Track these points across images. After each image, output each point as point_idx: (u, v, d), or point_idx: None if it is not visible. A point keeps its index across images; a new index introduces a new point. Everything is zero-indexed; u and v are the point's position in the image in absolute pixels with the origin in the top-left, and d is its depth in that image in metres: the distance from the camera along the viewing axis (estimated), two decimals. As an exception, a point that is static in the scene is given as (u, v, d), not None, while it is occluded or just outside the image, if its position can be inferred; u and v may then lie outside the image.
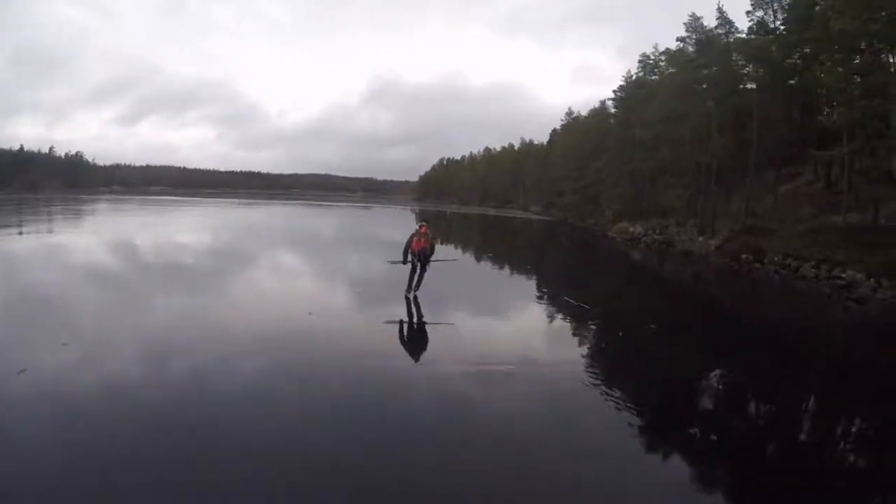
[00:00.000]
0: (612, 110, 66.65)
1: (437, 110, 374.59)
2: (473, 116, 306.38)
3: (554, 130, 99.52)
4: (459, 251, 31.04)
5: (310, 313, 12.97)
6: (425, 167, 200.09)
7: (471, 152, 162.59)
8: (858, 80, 28.68)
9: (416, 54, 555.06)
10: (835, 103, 32.20)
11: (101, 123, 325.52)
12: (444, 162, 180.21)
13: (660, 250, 40.17)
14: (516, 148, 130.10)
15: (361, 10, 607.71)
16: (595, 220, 64.13)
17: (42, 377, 8.03)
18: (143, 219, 48.26)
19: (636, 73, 58.41)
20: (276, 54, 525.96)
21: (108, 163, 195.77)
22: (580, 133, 77.52)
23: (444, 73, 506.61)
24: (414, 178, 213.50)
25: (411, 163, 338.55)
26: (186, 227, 40.88)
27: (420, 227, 15.01)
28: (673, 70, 48.17)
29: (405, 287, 14.83)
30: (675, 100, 43.22)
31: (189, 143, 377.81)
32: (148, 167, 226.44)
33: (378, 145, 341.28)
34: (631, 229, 48.52)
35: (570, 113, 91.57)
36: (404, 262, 14.72)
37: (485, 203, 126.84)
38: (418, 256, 14.63)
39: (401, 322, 12.96)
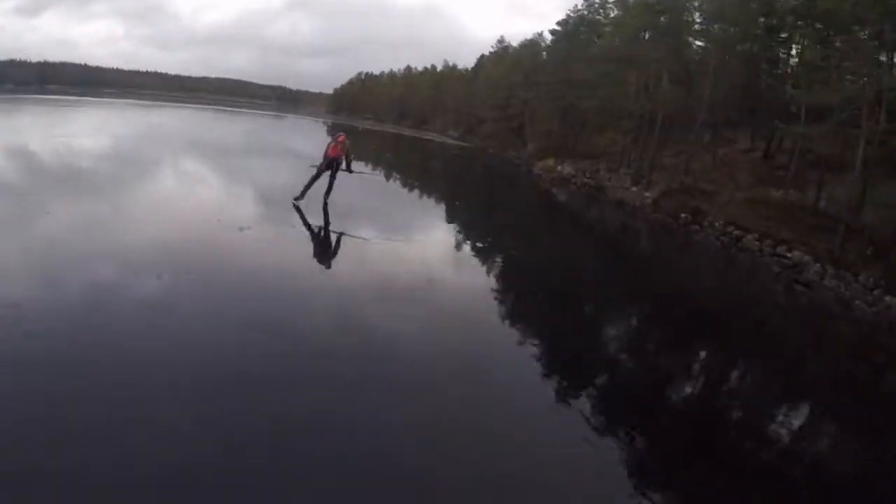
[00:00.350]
0: (548, 44, 64.35)
1: (361, 24, 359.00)
2: (397, 35, 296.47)
3: (482, 57, 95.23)
4: (370, 169, 27.89)
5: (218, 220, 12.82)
6: (342, 81, 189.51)
7: (391, 69, 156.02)
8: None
9: None
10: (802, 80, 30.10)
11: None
12: (362, 76, 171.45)
13: (589, 195, 38.08)
14: (439, 70, 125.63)
15: None
16: (517, 152, 61.40)
17: None
18: (35, 120, 40.93)
19: (582, 11, 55.47)
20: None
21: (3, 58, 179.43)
22: (510, 62, 74.45)
23: None
24: (329, 90, 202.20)
25: (328, 75, 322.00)
26: (84, 131, 34.45)
27: (338, 135, 15.28)
28: (621, 13, 45.89)
29: (297, 193, 14.87)
30: (625, 43, 40.77)
31: (93, 38, 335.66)
32: (45, 63, 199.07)
33: (295, 54, 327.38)
34: (559, 168, 46.09)
35: (501, 41, 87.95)
36: (323, 167, 14.83)
37: (401, 123, 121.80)
38: (331, 162, 14.79)
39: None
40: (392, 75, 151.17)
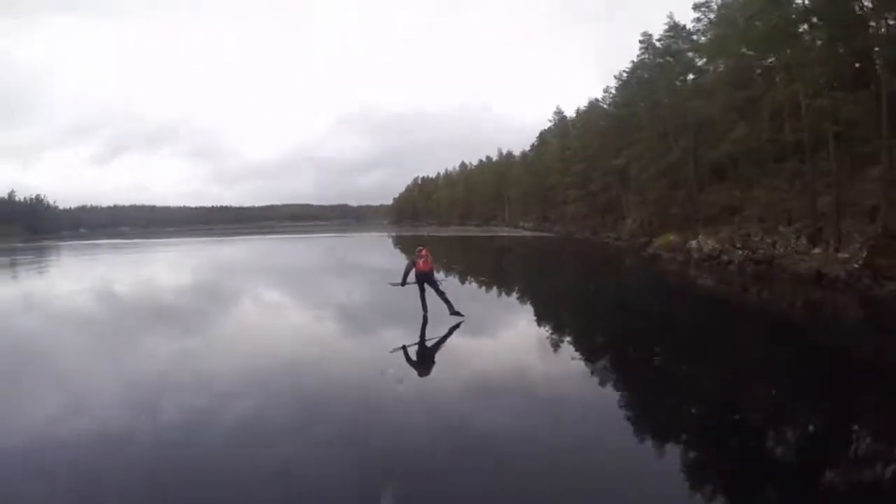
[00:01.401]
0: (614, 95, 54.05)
1: (407, 134, 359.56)
2: (443, 138, 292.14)
3: (542, 133, 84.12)
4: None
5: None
6: (399, 190, 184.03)
7: (446, 169, 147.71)
8: None
9: (383, 79, 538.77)
10: None
11: (72, 165, 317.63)
12: (419, 181, 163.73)
13: (757, 275, 25.22)
14: (495, 160, 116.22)
15: (326, 39, 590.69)
16: (615, 233, 49.05)
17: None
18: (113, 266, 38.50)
19: (640, 57, 46.48)
20: (245, 89, 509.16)
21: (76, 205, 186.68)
22: (583, 129, 62.49)
23: (411, 96, 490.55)
24: (389, 201, 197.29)
25: (385, 187, 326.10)
26: (160, 272, 33.25)
27: (419, 250, 14.48)
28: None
29: (421, 308, 14.17)
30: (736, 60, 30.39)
31: (161, 181, 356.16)
32: (115, 207, 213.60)
33: (350, 172, 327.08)
34: (693, 244, 33.38)
35: (558, 112, 77.31)
36: (402, 284, 14.11)
37: (466, 222, 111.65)
38: (424, 278, 14.06)
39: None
40: (448, 175, 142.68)
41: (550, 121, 78.78)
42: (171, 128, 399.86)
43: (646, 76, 45.36)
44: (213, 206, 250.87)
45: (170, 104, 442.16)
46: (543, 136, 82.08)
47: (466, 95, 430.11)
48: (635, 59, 47.45)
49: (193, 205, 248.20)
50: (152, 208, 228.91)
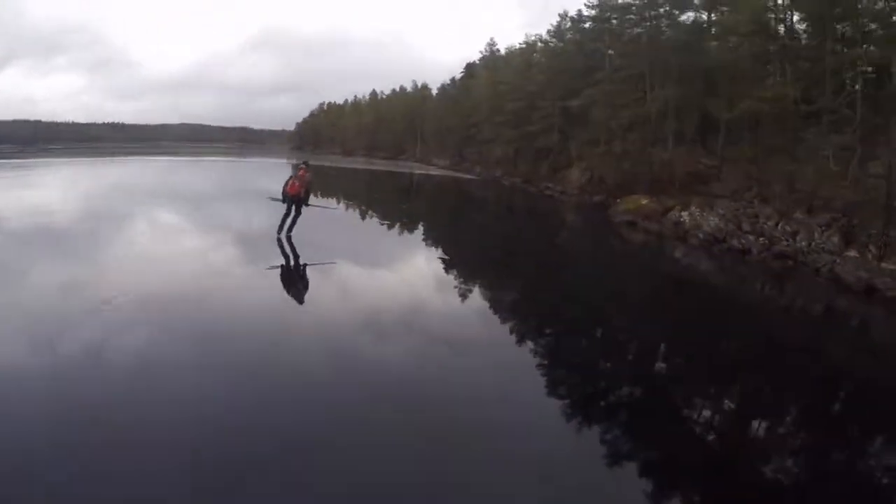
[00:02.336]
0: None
1: (319, 59, 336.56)
2: (356, 66, 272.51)
3: (471, 65, 72.95)
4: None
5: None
6: (304, 115, 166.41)
7: (355, 96, 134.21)
8: None
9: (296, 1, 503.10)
10: None
11: None
12: (324, 107, 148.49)
13: (786, 273, 17.68)
14: (409, 91, 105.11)
15: None
16: (556, 184, 40.52)
17: None
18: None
19: None
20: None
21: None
22: (521, 65, 53.11)
23: (330, 22, 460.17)
24: (292, 127, 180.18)
25: (289, 113, 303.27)
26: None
27: (299, 170, 14.38)
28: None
29: (276, 228, 14.34)
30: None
31: (55, 94, 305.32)
32: None
33: (255, 94, 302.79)
34: (681, 216, 25.16)
35: (492, 44, 67.13)
36: (283, 200, 14.16)
37: (373, 154, 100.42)
38: (292, 199, 14.01)
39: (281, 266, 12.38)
40: (357, 103, 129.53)
41: (482, 52, 68.39)
42: (64, 34, 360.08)
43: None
44: (103, 123, 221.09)
45: (66, 9, 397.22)
46: (472, 69, 71.38)
47: (381, 25, 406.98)
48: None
49: (84, 121, 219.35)
50: (36, 123, 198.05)
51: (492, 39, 67.92)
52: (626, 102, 33.40)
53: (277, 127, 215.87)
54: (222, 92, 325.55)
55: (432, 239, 20.18)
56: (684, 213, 24.99)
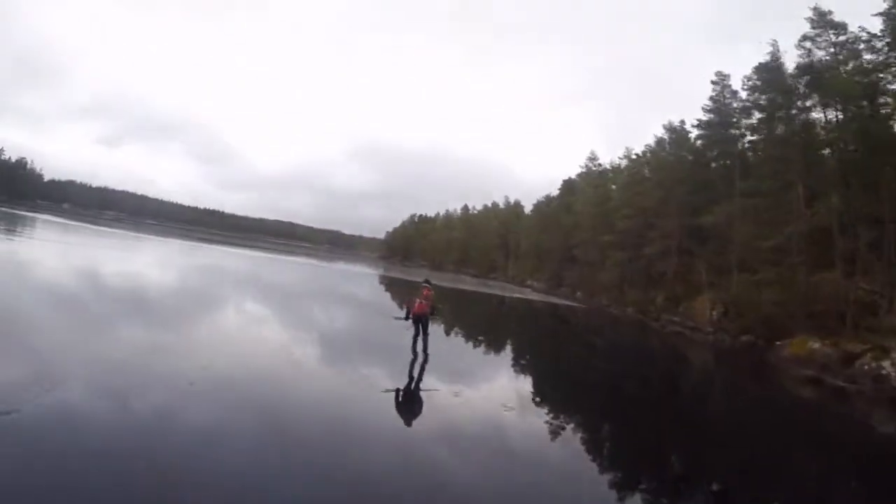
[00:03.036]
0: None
1: (417, 172, 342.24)
2: (452, 181, 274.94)
3: (570, 182, 68.84)
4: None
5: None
6: (394, 223, 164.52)
7: (447, 210, 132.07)
8: None
9: (404, 116, 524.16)
10: None
11: (83, 142, 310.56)
12: (415, 219, 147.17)
13: None
14: (501, 206, 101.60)
15: (358, 68, 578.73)
16: (678, 317, 33.91)
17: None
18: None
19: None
20: (266, 100, 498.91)
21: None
22: (631, 179, 48.20)
23: (428, 138, 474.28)
24: (381, 234, 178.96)
25: (381, 222, 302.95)
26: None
27: (423, 289, 13.43)
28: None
29: (410, 348, 13.13)
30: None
31: (167, 174, 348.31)
32: (105, 189, 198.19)
33: (351, 201, 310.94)
34: (877, 366, 18.36)
35: (593, 157, 62.59)
36: (406, 318, 13.35)
37: (462, 270, 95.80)
38: (419, 318, 13.11)
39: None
40: (449, 217, 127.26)
41: (582, 167, 63.92)
42: (185, 125, 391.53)
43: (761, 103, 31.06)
44: (203, 209, 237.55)
45: (189, 101, 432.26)
46: (571, 185, 66.93)
47: (478, 147, 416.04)
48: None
49: (186, 203, 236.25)
50: (142, 197, 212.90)
51: (593, 153, 62.68)
52: (774, 218, 27.08)
53: (368, 234, 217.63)
54: (318, 194, 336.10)
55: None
56: (885, 363, 18.12)
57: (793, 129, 28.10)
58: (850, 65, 25.73)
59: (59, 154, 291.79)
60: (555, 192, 75.22)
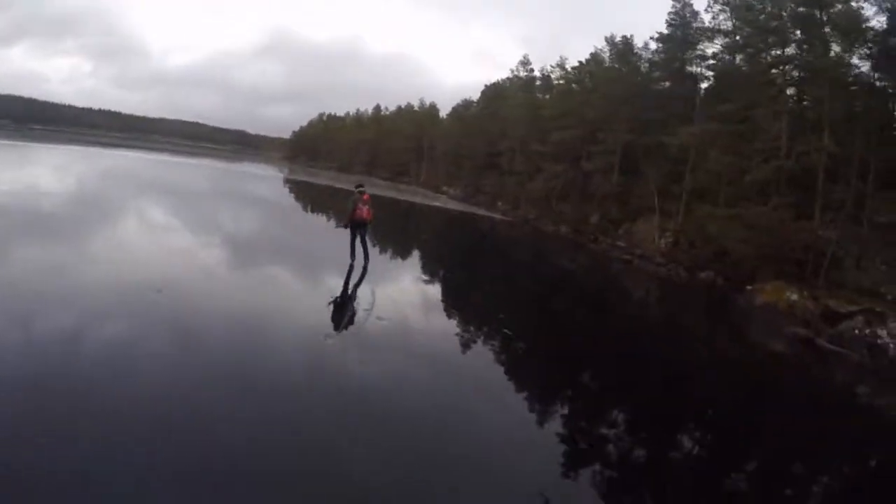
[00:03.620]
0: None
1: (329, 72, 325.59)
2: (365, 83, 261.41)
3: (494, 86, 62.94)
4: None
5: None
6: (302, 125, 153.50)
7: (357, 110, 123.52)
8: None
9: (316, 10, 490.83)
10: None
11: None
12: (324, 118, 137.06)
13: None
14: (416, 109, 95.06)
15: None
16: (632, 245, 30.24)
17: None
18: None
19: None
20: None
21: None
22: (570, 89, 43.68)
23: (341, 35, 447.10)
24: (289, 135, 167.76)
25: (290, 121, 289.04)
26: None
27: (361, 193, 12.78)
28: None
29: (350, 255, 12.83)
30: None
31: (61, 75, 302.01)
32: None
33: (259, 100, 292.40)
34: (873, 333, 15.18)
35: (525, 62, 56.50)
36: (346, 226, 12.99)
37: (371, 172, 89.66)
38: (361, 225, 12.79)
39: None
40: (359, 117, 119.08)
41: (513, 71, 58.15)
42: (80, 16, 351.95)
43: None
44: (100, 110, 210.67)
45: None
46: (498, 89, 61.12)
47: (394, 47, 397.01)
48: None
49: (81, 104, 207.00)
50: (31, 101, 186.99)
51: (525, 57, 57.25)
52: (752, 149, 23.42)
53: (275, 134, 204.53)
54: (224, 92, 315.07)
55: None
56: (881, 331, 15.04)
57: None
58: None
59: None
60: (475, 97, 70.25)
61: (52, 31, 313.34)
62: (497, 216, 42.71)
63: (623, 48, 38.90)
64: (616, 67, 39.02)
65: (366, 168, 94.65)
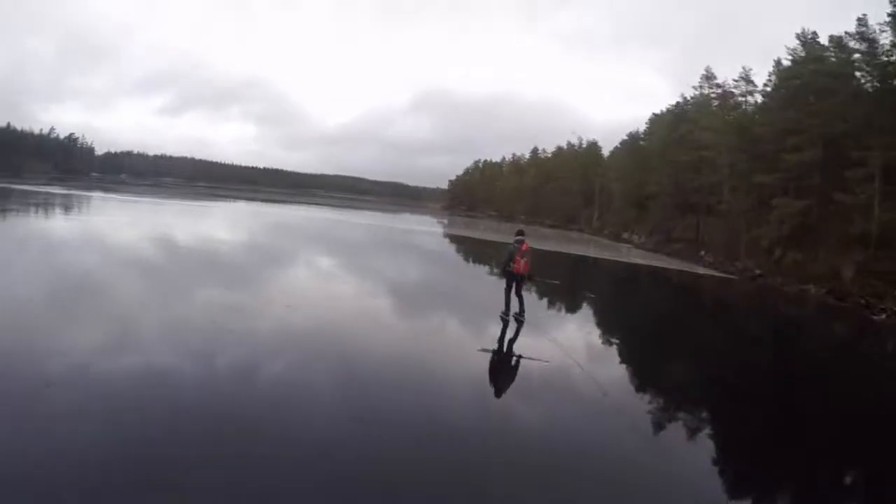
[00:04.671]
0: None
1: (481, 120, 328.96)
2: (515, 128, 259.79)
3: (671, 111, 54.15)
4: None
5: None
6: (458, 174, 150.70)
7: (513, 154, 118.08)
8: None
9: (467, 62, 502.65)
10: None
11: (145, 114, 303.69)
12: (480, 165, 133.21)
13: None
14: (577, 147, 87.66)
15: (419, 14, 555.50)
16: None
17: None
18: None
19: None
20: (326, 57, 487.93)
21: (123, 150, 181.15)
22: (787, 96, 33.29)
23: (492, 84, 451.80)
24: (445, 185, 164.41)
25: (446, 170, 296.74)
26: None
27: (519, 243, 11.54)
28: None
29: (503, 309, 11.57)
30: None
31: (227, 138, 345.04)
32: (163, 157, 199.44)
33: (414, 152, 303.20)
34: None
35: (709, 76, 47.13)
36: (502, 273, 11.86)
37: (534, 220, 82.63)
38: (517, 278, 11.49)
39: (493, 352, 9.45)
40: (516, 161, 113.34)
41: (697, 88, 48.85)
42: (245, 87, 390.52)
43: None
44: (264, 168, 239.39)
45: (247, 63, 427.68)
46: (677, 114, 51.39)
47: (543, 91, 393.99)
48: None
49: (245, 164, 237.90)
50: (198, 161, 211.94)
51: (708, 70, 47.47)
52: None
53: (431, 183, 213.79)
54: (381, 147, 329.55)
55: None
56: None
57: None
58: None
59: (120, 129, 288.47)
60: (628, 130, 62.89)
61: (219, 101, 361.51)
62: (704, 271, 32.95)
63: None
64: (852, 61, 29.27)
65: (528, 215, 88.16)
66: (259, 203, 65.68)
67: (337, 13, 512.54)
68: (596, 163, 76.53)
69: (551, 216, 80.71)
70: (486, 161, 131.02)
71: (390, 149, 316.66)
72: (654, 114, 59.67)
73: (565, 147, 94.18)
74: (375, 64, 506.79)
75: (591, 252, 39.90)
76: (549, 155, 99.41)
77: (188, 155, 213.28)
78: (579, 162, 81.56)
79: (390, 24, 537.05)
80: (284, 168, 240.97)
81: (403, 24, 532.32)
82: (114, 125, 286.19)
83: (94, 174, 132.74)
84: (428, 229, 51.18)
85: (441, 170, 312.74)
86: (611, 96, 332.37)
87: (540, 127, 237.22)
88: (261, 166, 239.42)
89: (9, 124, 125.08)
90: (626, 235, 55.57)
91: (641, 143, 61.31)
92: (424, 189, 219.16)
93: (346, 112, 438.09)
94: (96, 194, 52.41)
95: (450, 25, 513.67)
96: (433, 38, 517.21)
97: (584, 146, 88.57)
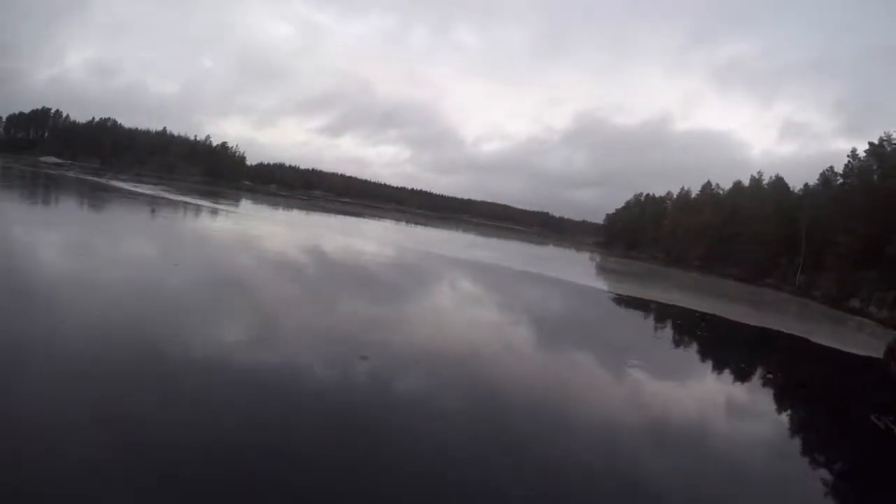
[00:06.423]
0: None
1: (633, 154, 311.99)
2: (671, 163, 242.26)
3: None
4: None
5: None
6: (607, 210, 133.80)
7: (682, 187, 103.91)
8: None
9: (621, 95, 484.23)
10: None
11: (305, 133, 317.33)
12: (642, 198, 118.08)
13: None
14: (765, 184, 73.86)
15: (581, 49, 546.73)
16: None
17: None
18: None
19: None
20: (487, 87, 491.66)
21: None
22: None
23: (645, 117, 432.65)
24: (595, 219, 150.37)
25: (594, 203, 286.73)
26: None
27: None
28: None
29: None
30: None
31: (383, 159, 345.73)
32: (313, 171, 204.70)
33: (563, 183, 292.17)
34: None
35: None
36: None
37: (713, 269, 69.44)
38: None
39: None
40: (684, 195, 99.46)
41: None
42: (403, 111, 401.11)
43: None
44: (412, 189, 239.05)
45: (405, 89, 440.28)
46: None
47: (695, 123, 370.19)
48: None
49: (396, 184, 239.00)
50: (349, 178, 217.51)
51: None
52: None
53: (577, 215, 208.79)
54: (530, 177, 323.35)
55: None
56: None
57: None
58: None
59: (278, 144, 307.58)
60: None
61: (378, 124, 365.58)
62: None
63: None
64: None
65: (703, 261, 74.64)
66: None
67: (496, 44, 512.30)
68: (794, 204, 62.65)
69: (736, 266, 66.96)
70: (647, 195, 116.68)
71: (540, 179, 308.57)
72: (880, 139, 45.78)
73: (750, 182, 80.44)
74: (528, 93, 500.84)
75: (791, 329, 26.52)
76: (727, 190, 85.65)
77: (339, 171, 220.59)
78: (772, 199, 67.67)
79: (544, 56, 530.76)
80: (433, 190, 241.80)
81: (558, 55, 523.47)
82: (272, 140, 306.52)
83: (245, 182, 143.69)
84: (591, 284, 39.09)
85: (588, 203, 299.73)
86: (767, 131, 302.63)
87: (696, 159, 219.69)
88: (409, 187, 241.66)
89: (164, 128, 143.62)
90: (855, 304, 41.50)
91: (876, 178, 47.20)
92: (571, 220, 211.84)
93: (499, 140, 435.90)
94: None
95: (605, 59, 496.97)
96: (586, 69, 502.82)
97: (771, 180, 75.11)
